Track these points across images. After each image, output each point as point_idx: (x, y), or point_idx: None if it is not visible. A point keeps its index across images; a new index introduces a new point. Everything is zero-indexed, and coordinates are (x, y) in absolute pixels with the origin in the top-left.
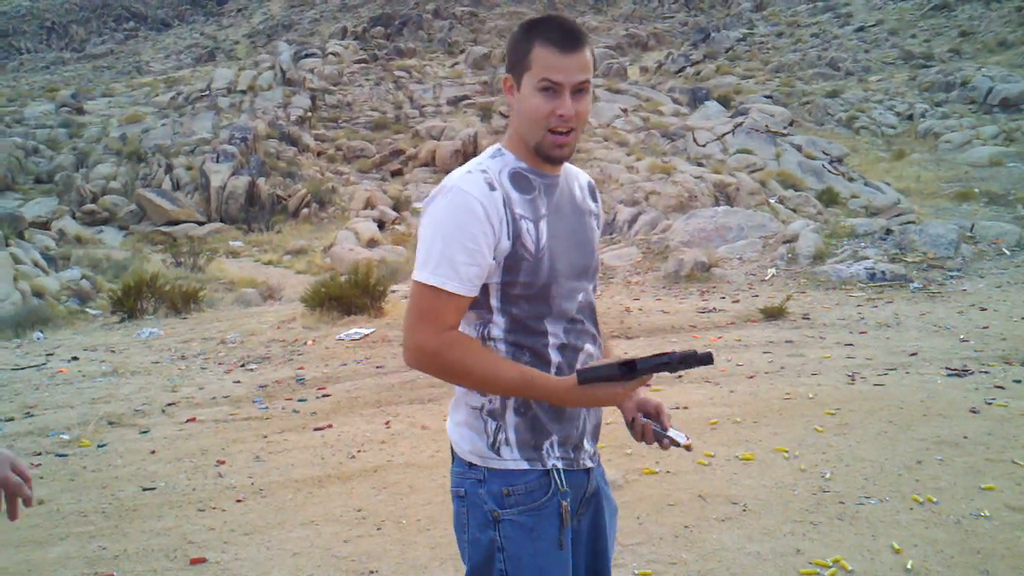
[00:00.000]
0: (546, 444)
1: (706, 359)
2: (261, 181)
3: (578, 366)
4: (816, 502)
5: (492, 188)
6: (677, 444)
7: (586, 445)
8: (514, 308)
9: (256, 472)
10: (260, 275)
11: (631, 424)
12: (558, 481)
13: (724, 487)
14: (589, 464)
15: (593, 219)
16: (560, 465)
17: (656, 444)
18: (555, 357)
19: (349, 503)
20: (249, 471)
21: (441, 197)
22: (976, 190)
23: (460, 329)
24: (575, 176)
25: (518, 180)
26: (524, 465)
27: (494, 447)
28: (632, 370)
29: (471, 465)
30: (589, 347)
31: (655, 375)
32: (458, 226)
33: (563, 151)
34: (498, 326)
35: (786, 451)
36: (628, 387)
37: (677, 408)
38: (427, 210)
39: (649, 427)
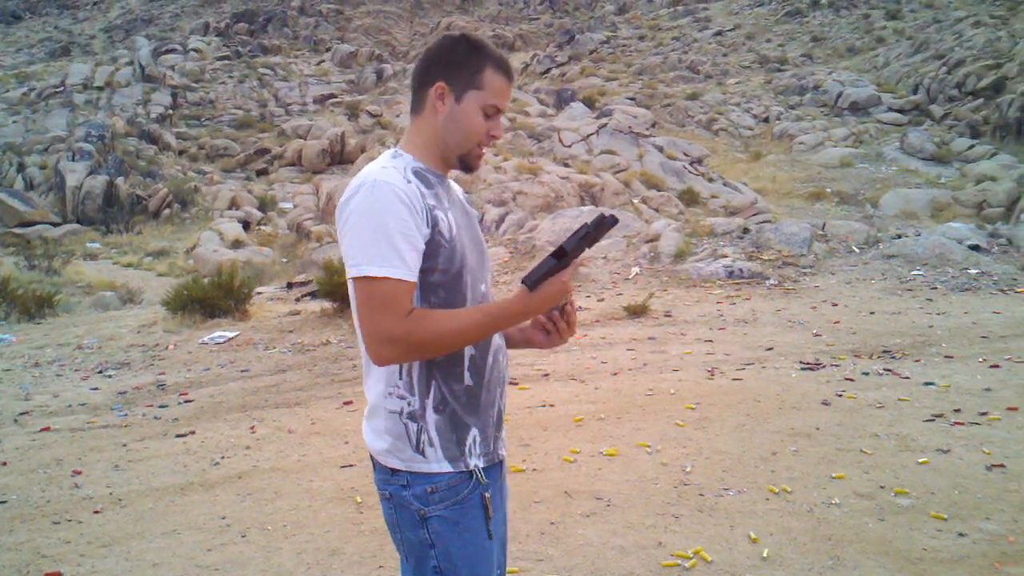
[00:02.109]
0: (468, 440)
1: (612, 221)
2: (120, 180)
3: (489, 359)
4: (677, 495)
5: (408, 181)
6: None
7: (501, 433)
8: (432, 296)
9: (115, 481)
10: (120, 278)
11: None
12: (479, 475)
13: (589, 483)
14: (503, 453)
15: (476, 221)
16: (481, 464)
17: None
18: (468, 348)
19: (213, 511)
20: (107, 480)
21: (365, 191)
22: (828, 190)
23: None
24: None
25: (421, 176)
26: (447, 467)
27: (418, 449)
28: (564, 254)
29: (394, 471)
30: (497, 338)
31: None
32: (392, 215)
33: (481, 162)
34: None
35: (648, 446)
36: (569, 271)
37: (543, 406)
38: (350, 206)
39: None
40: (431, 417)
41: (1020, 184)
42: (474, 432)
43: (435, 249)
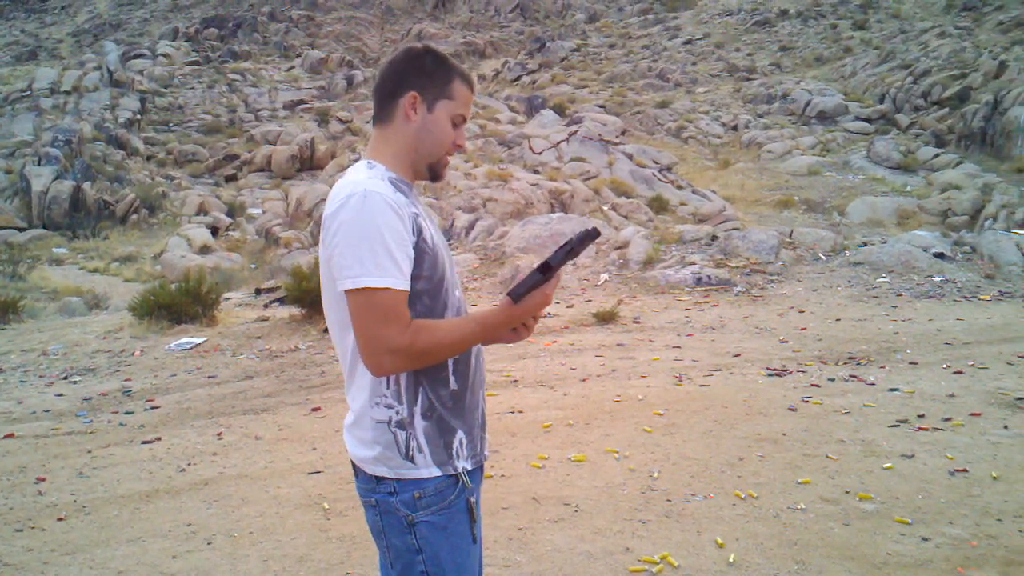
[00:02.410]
0: (455, 443)
1: (594, 234)
2: (87, 185)
3: (472, 361)
4: (645, 501)
5: (395, 190)
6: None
7: (485, 433)
8: (417, 304)
9: (79, 488)
10: (86, 283)
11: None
12: (464, 479)
13: (557, 488)
14: (487, 454)
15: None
16: (469, 466)
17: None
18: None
19: (179, 518)
20: (72, 488)
21: (357, 201)
22: (796, 198)
23: None
24: None
25: (396, 186)
26: (436, 472)
27: (408, 456)
28: (549, 268)
29: (379, 479)
30: (476, 346)
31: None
32: (385, 225)
33: (447, 171)
34: None
35: (617, 452)
36: (552, 284)
37: (512, 412)
38: (339, 217)
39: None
40: (419, 424)
41: (984, 193)
42: (460, 435)
43: (420, 256)
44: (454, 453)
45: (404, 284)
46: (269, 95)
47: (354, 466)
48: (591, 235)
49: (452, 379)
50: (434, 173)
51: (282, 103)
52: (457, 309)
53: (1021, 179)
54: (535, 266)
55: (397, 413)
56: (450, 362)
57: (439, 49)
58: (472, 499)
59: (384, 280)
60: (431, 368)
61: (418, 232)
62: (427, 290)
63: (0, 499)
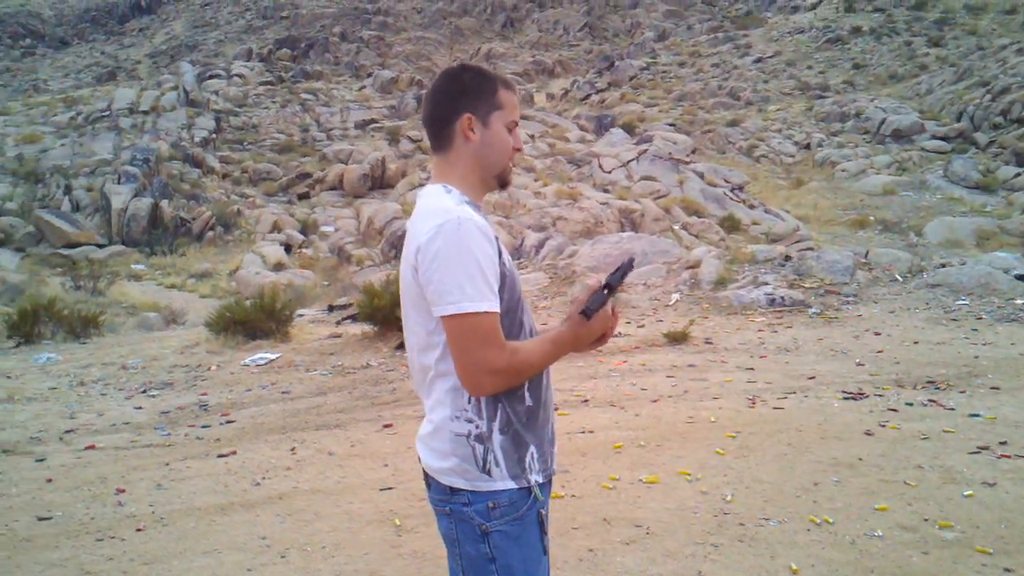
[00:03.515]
0: (528, 457)
1: (630, 264)
2: (164, 203)
3: (544, 379)
4: (717, 524)
5: (477, 212)
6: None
7: (555, 449)
8: (501, 322)
9: (157, 500)
10: (163, 299)
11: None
12: (537, 492)
13: (628, 510)
14: (555, 468)
15: None
16: (540, 479)
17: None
18: None
19: (253, 531)
20: (150, 499)
21: (451, 228)
22: (871, 218)
23: (447, 359)
24: None
25: (475, 208)
26: (511, 484)
27: (485, 469)
28: (611, 289)
29: (454, 490)
30: None
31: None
32: (480, 250)
33: (512, 176)
34: None
35: (689, 474)
36: (614, 302)
37: (583, 432)
38: (436, 245)
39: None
40: (497, 438)
41: None
42: (532, 449)
43: (503, 278)
44: (527, 467)
45: (497, 306)
46: (340, 114)
47: (427, 476)
48: (631, 262)
49: (528, 396)
50: (503, 181)
51: (353, 122)
52: (530, 328)
53: None
54: (595, 287)
55: (477, 427)
56: (527, 381)
57: (474, 64)
58: (543, 511)
59: (483, 304)
60: None
61: (500, 253)
62: (507, 311)
63: (81, 509)
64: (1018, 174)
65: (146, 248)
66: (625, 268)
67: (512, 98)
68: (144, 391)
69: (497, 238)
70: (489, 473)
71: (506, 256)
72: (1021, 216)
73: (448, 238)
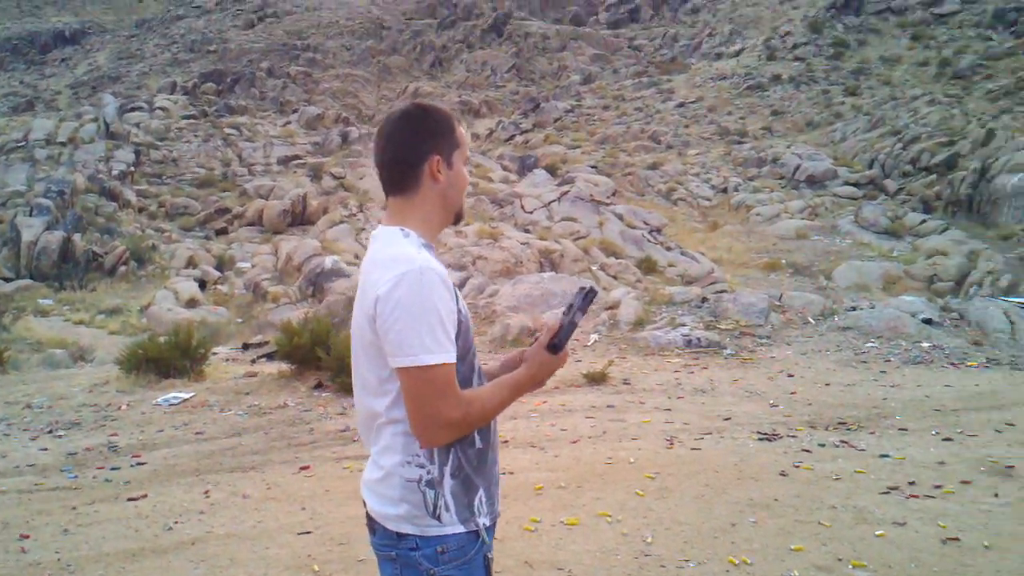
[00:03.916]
0: (476, 501)
1: (592, 293)
2: (77, 237)
3: (490, 429)
4: (638, 566)
5: (436, 259)
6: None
7: (499, 489)
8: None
9: (63, 546)
10: (71, 335)
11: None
12: (484, 536)
13: (550, 553)
14: (499, 511)
15: None
16: (487, 523)
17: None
18: None
19: None
20: (56, 545)
21: (414, 278)
22: (783, 261)
23: (400, 406)
24: None
25: (432, 253)
26: (460, 528)
27: (435, 514)
28: (574, 324)
29: (401, 535)
30: None
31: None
32: (441, 301)
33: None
34: None
35: (609, 515)
36: (577, 327)
37: (503, 474)
38: (397, 294)
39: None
40: (448, 483)
41: (970, 259)
42: (480, 492)
43: (458, 327)
44: (475, 510)
45: (454, 357)
46: (264, 150)
47: (372, 521)
48: (592, 293)
49: (477, 438)
50: (459, 217)
51: (276, 158)
52: (479, 371)
53: (1007, 246)
54: (560, 318)
55: (428, 472)
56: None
57: (426, 103)
58: (489, 555)
59: (441, 356)
60: None
61: (457, 300)
62: (460, 357)
63: None
64: (924, 221)
65: (55, 283)
66: (579, 303)
67: (464, 133)
68: (50, 431)
69: (454, 285)
70: (439, 518)
71: (462, 303)
72: (926, 261)
73: (410, 288)
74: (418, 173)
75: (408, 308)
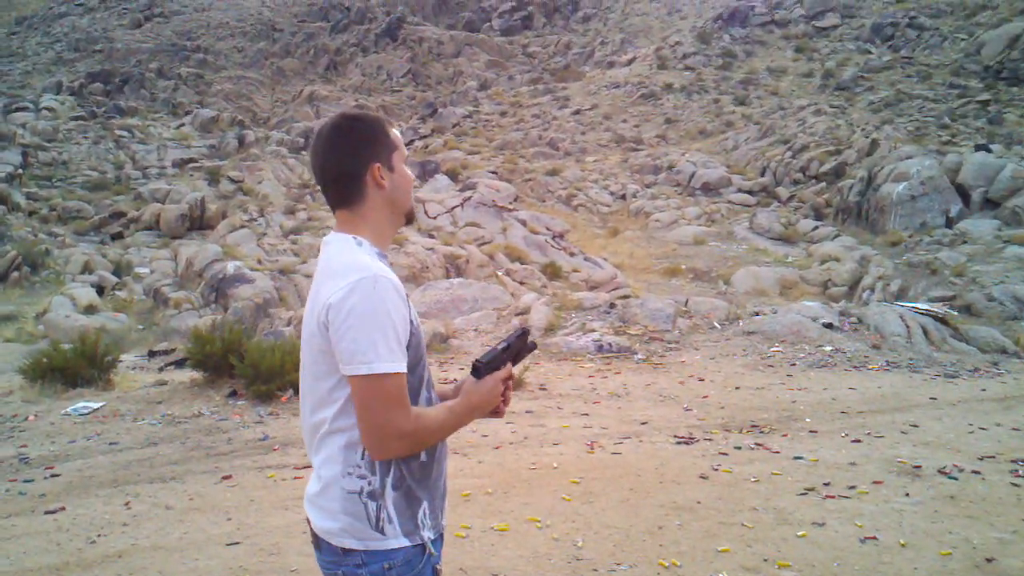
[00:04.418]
0: (419, 513)
1: (525, 334)
2: None
3: (437, 443)
4: (571, 570)
5: (389, 268)
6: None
7: (445, 503)
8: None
9: None
10: None
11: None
12: (430, 548)
13: (483, 559)
14: (444, 523)
15: None
16: (432, 536)
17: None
18: None
19: None
20: None
21: (367, 286)
22: (683, 266)
23: (345, 415)
24: None
25: (384, 262)
26: (405, 542)
27: (378, 527)
28: (508, 351)
29: (346, 551)
30: None
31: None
32: (395, 310)
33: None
34: None
35: (538, 521)
36: (511, 371)
37: None
38: (351, 302)
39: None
40: (390, 495)
41: (861, 264)
42: (425, 505)
43: (410, 337)
44: (419, 523)
45: (404, 367)
46: (158, 152)
47: (316, 538)
48: (525, 333)
49: (423, 451)
50: (410, 217)
51: (171, 161)
52: (428, 381)
53: (895, 252)
54: (495, 347)
55: (369, 484)
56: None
57: (353, 111)
58: (439, 567)
59: (393, 365)
60: None
61: (410, 309)
62: (411, 367)
63: None
64: (815, 227)
65: None
66: (523, 336)
67: (398, 134)
68: None
69: (407, 295)
70: (382, 531)
71: (414, 313)
72: (820, 267)
73: (364, 296)
74: (361, 184)
75: (361, 316)
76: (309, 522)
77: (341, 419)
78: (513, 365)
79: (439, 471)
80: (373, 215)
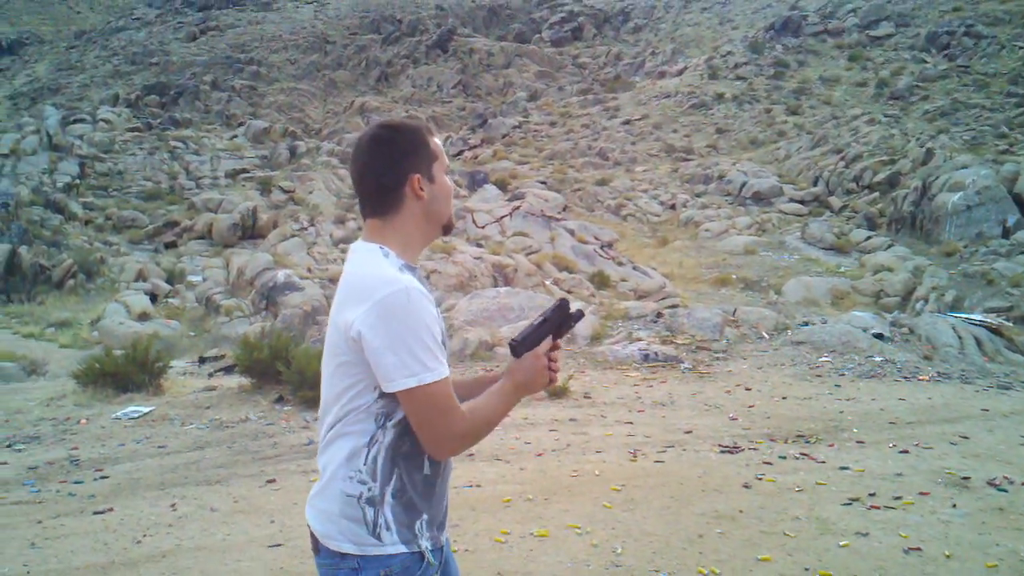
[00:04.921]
0: (418, 524)
1: (565, 306)
2: (23, 249)
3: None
4: None
5: (417, 279)
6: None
7: (446, 521)
8: None
9: (32, 560)
10: (20, 348)
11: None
12: (429, 557)
13: (521, 564)
14: (444, 539)
15: None
16: (429, 545)
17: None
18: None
19: None
20: (24, 559)
21: (400, 298)
22: (733, 276)
23: (355, 422)
24: None
25: (412, 274)
26: (402, 548)
27: (375, 533)
28: (547, 324)
29: (343, 555)
30: None
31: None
32: (431, 318)
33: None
34: (396, 415)
35: (578, 527)
36: (554, 344)
37: (471, 486)
38: (388, 314)
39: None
40: (389, 502)
41: (915, 275)
42: (424, 517)
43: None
44: (417, 532)
45: (448, 369)
46: (211, 163)
47: (315, 541)
48: (564, 305)
49: (427, 464)
50: (448, 227)
51: (224, 171)
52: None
53: (950, 262)
54: (532, 323)
55: (369, 490)
56: (426, 454)
57: (394, 121)
58: None
59: (437, 373)
60: (409, 452)
61: (440, 320)
62: None
63: None
64: (868, 237)
65: (2, 295)
66: (566, 312)
67: (438, 143)
68: (8, 445)
69: (437, 304)
70: (379, 537)
71: (442, 322)
72: (873, 277)
73: (398, 309)
74: (400, 195)
75: (399, 330)
76: (310, 526)
77: (349, 424)
78: (557, 338)
79: (442, 489)
80: (405, 226)
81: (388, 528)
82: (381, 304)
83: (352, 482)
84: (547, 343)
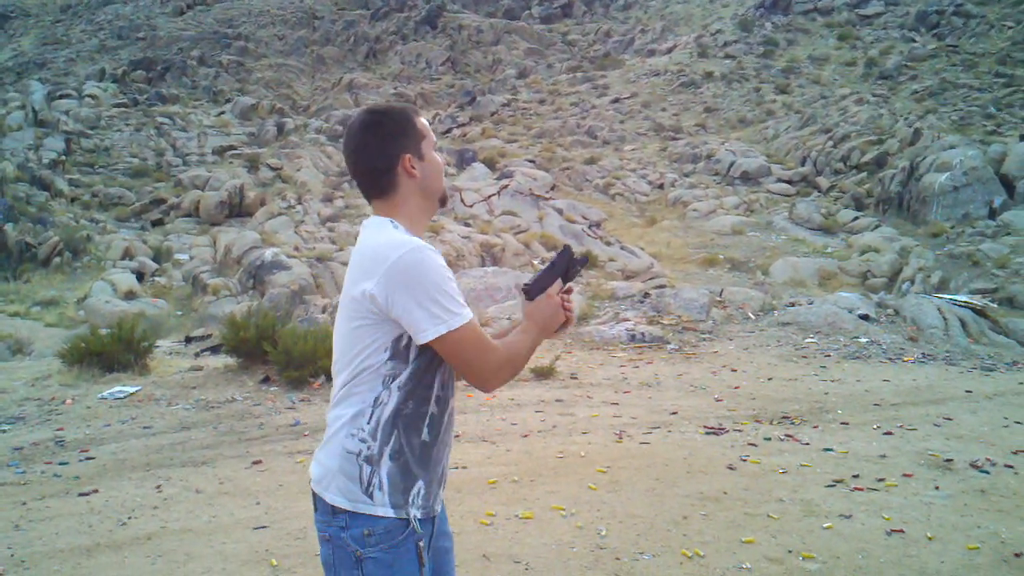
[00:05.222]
0: (413, 491)
1: (567, 252)
2: (8, 227)
3: (445, 418)
4: (594, 559)
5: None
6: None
7: (441, 492)
8: (422, 356)
9: (16, 542)
10: (6, 327)
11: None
12: (415, 525)
13: (507, 546)
14: (438, 508)
15: None
16: (419, 515)
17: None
18: (431, 406)
19: (122, 573)
20: (8, 541)
21: (415, 255)
22: (720, 256)
23: (364, 382)
24: None
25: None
26: (390, 513)
27: (367, 491)
28: (555, 269)
29: (335, 512)
30: (452, 400)
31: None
32: (444, 268)
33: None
34: (401, 378)
35: (563, 509)
36: (564, 287)
37: (456, 468)
38: (406, 271)
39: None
40: (386, 464)
41: (902, 256)
42: (420, 484)
43: None
44: (410, 500)
45: (470, 311)
46: (198, 140)
47: (314, 495)
48: (568, 251)
49: (425, 430)
50: (443, 200)
51: (211, 148)
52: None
53: (936, 243)
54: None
55: (368, 448)
56: (427, 415)
57: (381, 105)
58: (422, 544)
59: (465, 315)
60: (409, 415)
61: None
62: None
63: None
64: (856, 218)
65: None
66: (571, 258)
67: (424, 121)
68: None
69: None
70: (371, 496)
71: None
72: (859, 258)
73: (415, 264)
74: (392, 176)
75: (420, 285)
76: (311, 480)
77: (358, 384)
78: (566, 281)
79: (439, 455)
80: (407, 204)
81: (380, 488)
82: (397, 265)
83: (353, 439)
84: (557, 285)
